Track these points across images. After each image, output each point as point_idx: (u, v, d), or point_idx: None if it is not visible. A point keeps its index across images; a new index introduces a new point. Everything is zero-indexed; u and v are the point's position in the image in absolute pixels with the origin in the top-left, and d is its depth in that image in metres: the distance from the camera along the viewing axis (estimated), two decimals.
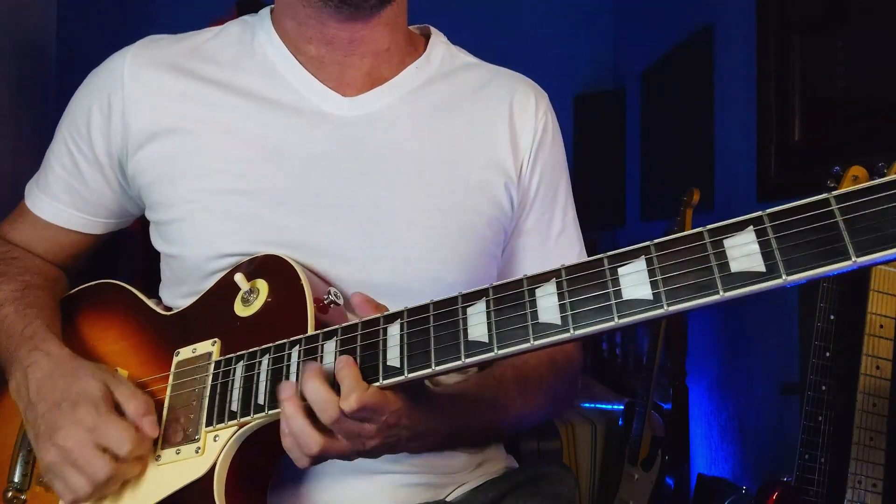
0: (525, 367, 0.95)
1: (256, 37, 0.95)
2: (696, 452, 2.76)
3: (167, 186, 0.90)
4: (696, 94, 2.84)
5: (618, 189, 3.57)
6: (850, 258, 0.52)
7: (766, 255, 0.54)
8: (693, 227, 2.37)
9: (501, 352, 0.64)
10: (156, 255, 0.99)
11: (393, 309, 0.74)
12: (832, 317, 1.60)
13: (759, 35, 2.39)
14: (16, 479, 0.90)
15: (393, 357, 0.69)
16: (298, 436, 0.71)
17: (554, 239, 1.02)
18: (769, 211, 0.55)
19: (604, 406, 2.70)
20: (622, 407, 2.54)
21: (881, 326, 1.54)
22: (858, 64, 2.06)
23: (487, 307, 0.66)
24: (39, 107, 2.10)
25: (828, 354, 1.59)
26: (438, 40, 1.01)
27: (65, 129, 0.97)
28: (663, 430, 2.43)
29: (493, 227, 0.95)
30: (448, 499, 0.95)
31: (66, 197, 0.98)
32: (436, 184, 0.92)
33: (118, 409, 0.80)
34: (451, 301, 0.68)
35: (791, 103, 2.26)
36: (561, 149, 1.04)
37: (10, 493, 0.89)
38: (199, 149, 0.89)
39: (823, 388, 1.58)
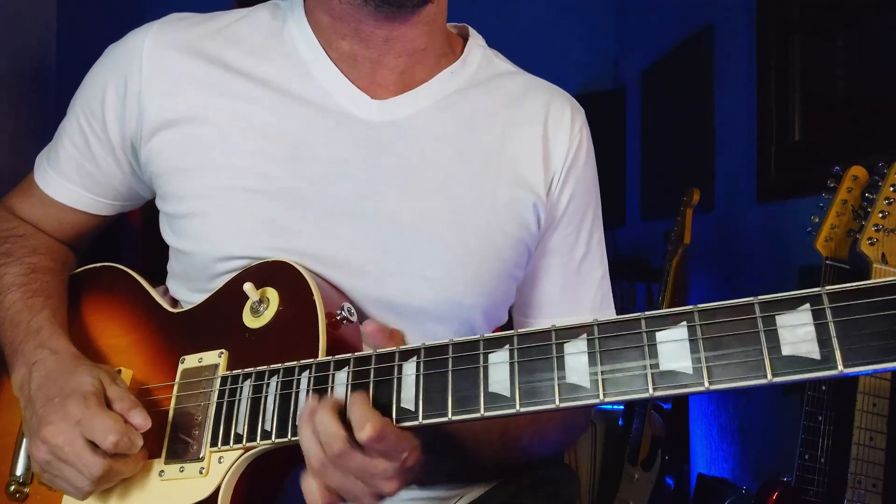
0: None
1: (286, 25, 0.90)
2: (696, 452, 2.76)
3: (181, 178, 0.86)
4: (696, 94, 2.84)
5: (618, 189, 3.57)
6: None
7: (823, 341, 0.49)
8: (693, 228, 2.35)
9: (524, 409, 0.60)
10: (157, 249, 0.96)
11: (405, 329, 0.71)
12: None
13: (759, 35, 2.39)
14: (18, 473, 0.89)
15: (407, 399, 0.66)
16: (308, 454, 0.68)
17: (577, 262, 0.97)
18: (828, 289, 0.50)
19: (604, 406, 2.70)
20: (622, 407, 2.54)
21: None
22: (858, 64, 2.06)
23: (511, 357, 0.62)
24: (39, 103, 2.10)
25: None
26: (476, 43, 0.96)
27: (78, 107, 0.93)
28: (663, 430, 2.43)
29: (518, 249, 0.90)
30: None
31: (75, 176, 0.94)
32: (461, 199, 0.87)
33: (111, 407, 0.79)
34: (473, 345, 0.64)
35: (791, 103, 2.26)
36: (594, 167, 1.00)
37: (12, 487, 0.88)
38: (217, 141, 0.85)
39: (823, 388, 1.58)
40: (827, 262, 1.62)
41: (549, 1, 3.79)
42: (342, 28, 0.85)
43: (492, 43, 0.99)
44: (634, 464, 2.33)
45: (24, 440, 0.90)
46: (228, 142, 0.85)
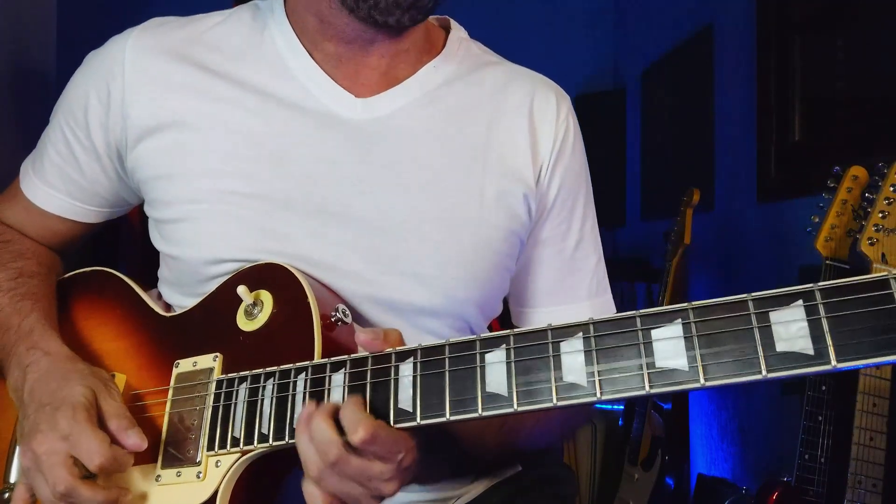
0: None
1: (267, 27, 0.90)
2: (696, 452, 2.76)
3: (167, 184, 0.86)
4: (696, 94, 2.84)
5: (618, 189, 3.57)
6: None
7: (816, 337, 0.49)
8: (693, 228, 2.35)
9: (522, 409, 0.60)
10: (155, 250, 0.95)
11: (401, 326, 0.70)
12: None
13: (759, 35, 2.39)
14: (11, 480, 0.88)
15: (405, 399, 0.66)
16: (305, 459, 0.68)
17: (571, 250, 0.96)
18: (821, 286, 0.50)
19: (604, 406, 2.70)
20: (622, 407, 2.54)
21: None
22: (858, 64, 2.06)
23: (507, 357, 0.61)
24: (40, 104, 2.10)
25: None
26: (458, 36, 0.96)
27: (61, 115, 0.92)
28: (663, 430, 2.44)
29: (510, 241, 0.90)
30: None
31: (60, 184, 0.94)
32: (450, 196, 0.86)
33: (102, 422, 0.77)
34: (469, 345, 0.64)
35: (791, 103, 2.26)
36: (582, 153, 0.97)
37: (6, 494, 0.88)
38: (202, 146, 0.85)
39: (823, 388, 1.58)
40: (827, 262, 1.62)
41: (549, 1, 3.79)
42: (328, 30, 0.85)
43: (492, 43, 0.99)
44: (634, 464, 2.34)
45: (17, 447, 0.90)
46: (212, 146, 0.85)
